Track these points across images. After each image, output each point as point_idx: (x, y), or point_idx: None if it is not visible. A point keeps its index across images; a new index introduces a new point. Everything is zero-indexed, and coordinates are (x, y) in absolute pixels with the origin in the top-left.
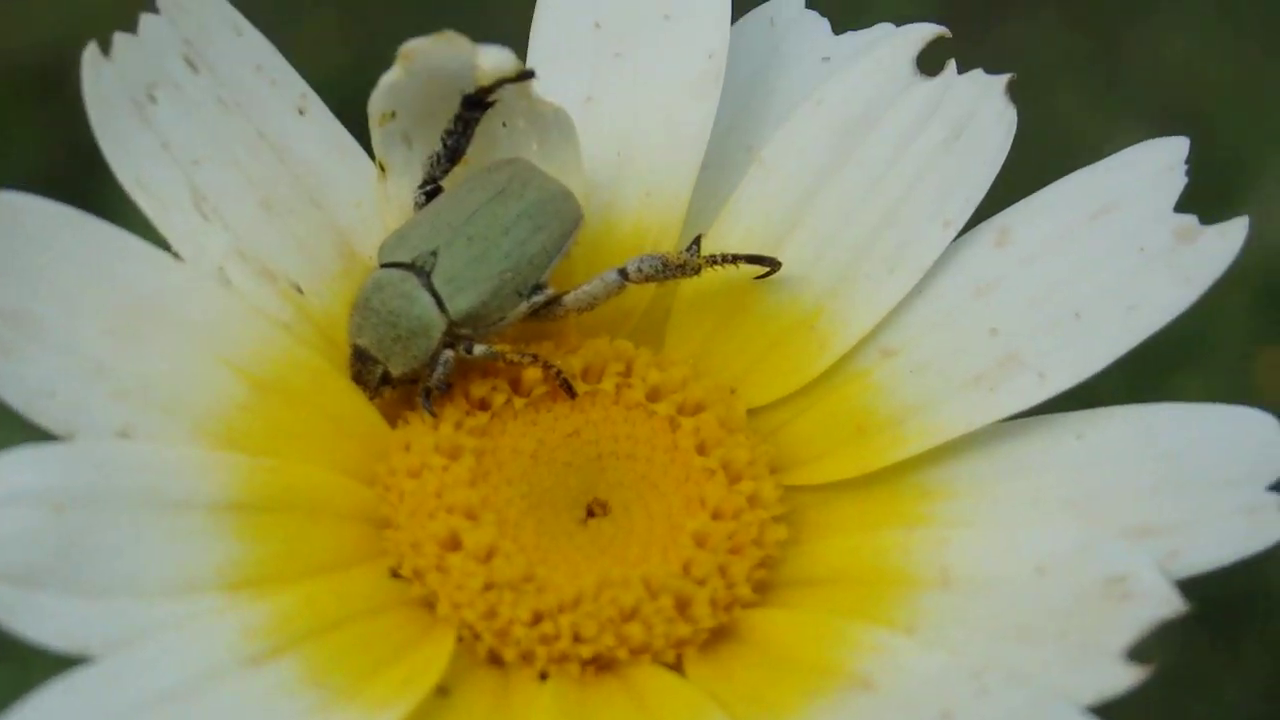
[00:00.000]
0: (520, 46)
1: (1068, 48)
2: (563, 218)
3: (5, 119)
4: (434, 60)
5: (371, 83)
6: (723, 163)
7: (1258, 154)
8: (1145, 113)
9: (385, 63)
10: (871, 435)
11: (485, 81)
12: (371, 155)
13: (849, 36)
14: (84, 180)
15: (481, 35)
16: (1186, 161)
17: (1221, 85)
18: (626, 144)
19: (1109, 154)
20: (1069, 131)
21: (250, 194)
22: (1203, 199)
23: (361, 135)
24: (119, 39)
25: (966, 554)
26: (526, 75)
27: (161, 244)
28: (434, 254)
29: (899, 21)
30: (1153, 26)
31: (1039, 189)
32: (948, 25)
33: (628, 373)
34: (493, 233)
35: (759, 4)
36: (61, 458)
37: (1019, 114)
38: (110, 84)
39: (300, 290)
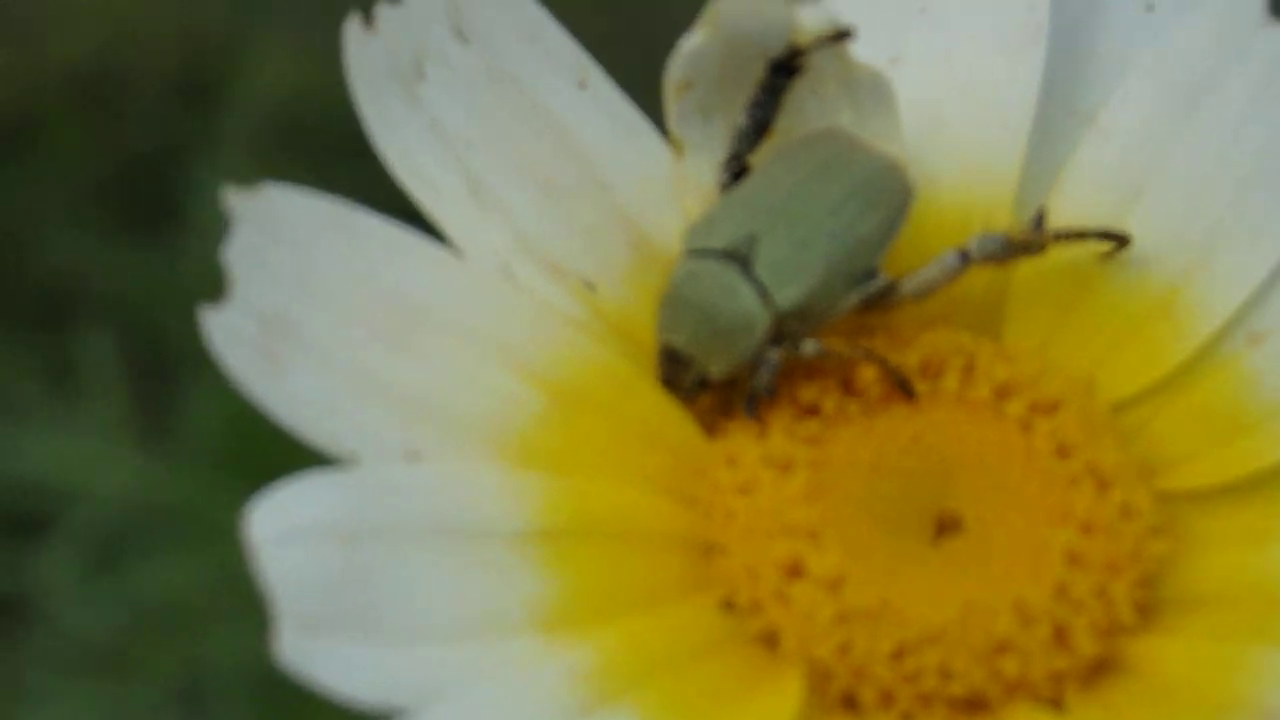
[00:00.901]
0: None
1: None
2: (895, 194)
3: (56, 129)
4: (740, 21)
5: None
6: (1043, 125)
7: None
8: None
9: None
10: (1248, 431)
11: (803, 40)
12: (662, 133)
13: None
14: (141, 187)
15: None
16: None
17: None
18: (941, 110)
19: None
20: None
21: (530, 179)
22: None
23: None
24: (382, 9)
25: None
26: (844, 35)
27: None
28: (752, 240)
29: None
30: None
31: None
32: None
33: (970, 368)
34: (818, 213)
35: None
36: (349, 485)
37: None
38: (376, 60)
39: (593, 286)
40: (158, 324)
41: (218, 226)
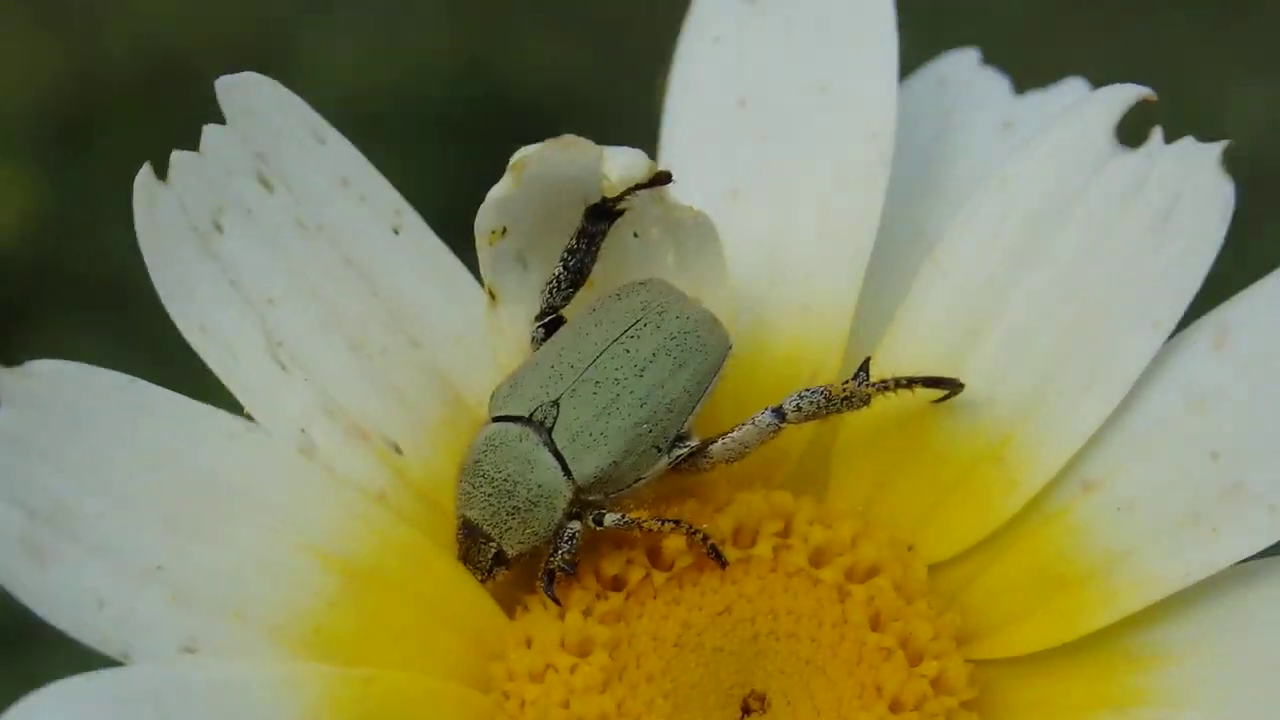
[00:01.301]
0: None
1: None
2: (708, 350)
3: (119, 122)
4: (550, 168)
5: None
6: (890, 253)
7: None
8: None
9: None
10: (1072, 590)
11: (613, 191)
12: (478, 277)
13: (1034, 97)
14: None
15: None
16: None
17: None
18: (778, 247)
19: None
20: None
21: (336, 335)
22: None
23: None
24: (178, 159)
25: None
26: (662, 179)
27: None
28: (555, 404)
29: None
30: None
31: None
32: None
33: (786, 532)
34: (625, 375)
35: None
36: (110, 689)
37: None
38: (168, 214)
39: (398, 449)
40: None
41: None
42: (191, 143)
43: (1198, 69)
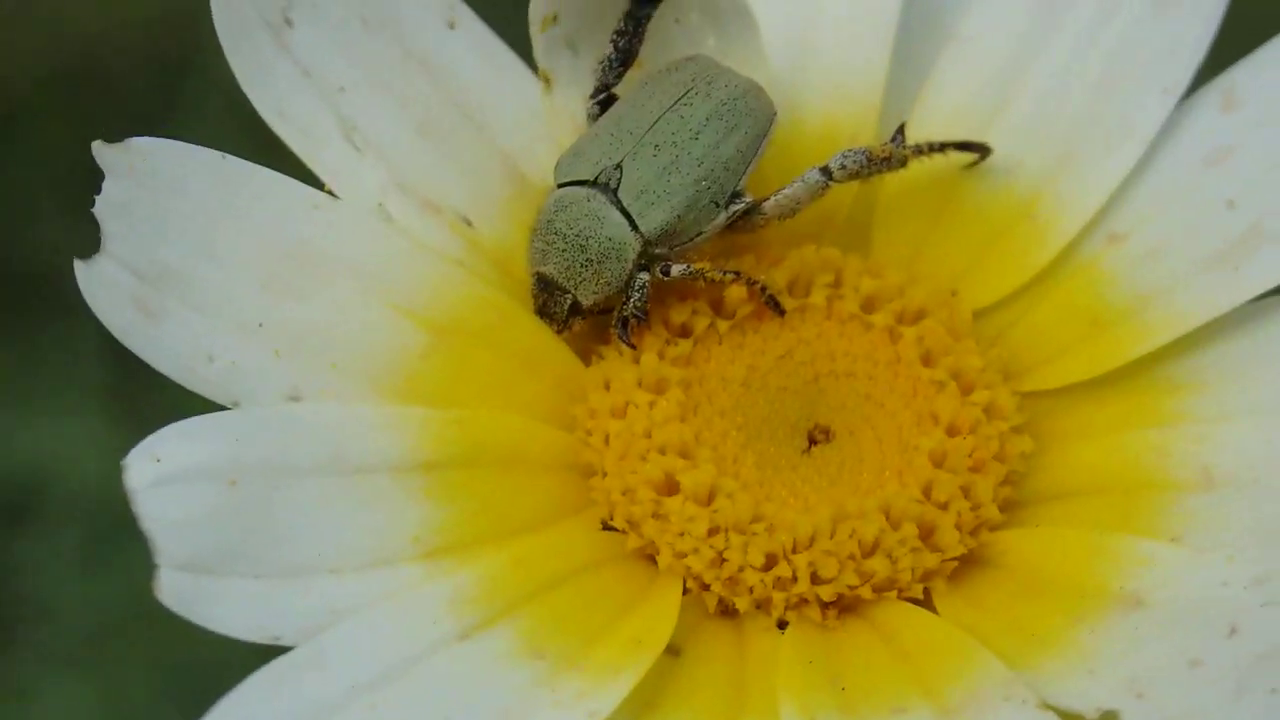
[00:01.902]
0: None
1: None
2: (756, 115)
3: (35, 116)
4: None
5: None
6: (905, 42)
7: None
8: None
9: None
10: (1108, 329)
11: None
12: (532, 68)
13: None
14: None
15: None
16: None
17: None
18: (805, 34)
19: None
20: None
21: (404, 120)
22: None
23: (514, 44)
24: None
25: (1228, 450)
26: None
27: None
28: (618, 167)
29: None
30: None
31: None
32: None
33: (838, 283)
34: (681, 138)
35: None
36: (230, 427)
37: None
38: (243, 9)
39: (469, 222)
40: None
41: None
42: (108, 136)
43: None
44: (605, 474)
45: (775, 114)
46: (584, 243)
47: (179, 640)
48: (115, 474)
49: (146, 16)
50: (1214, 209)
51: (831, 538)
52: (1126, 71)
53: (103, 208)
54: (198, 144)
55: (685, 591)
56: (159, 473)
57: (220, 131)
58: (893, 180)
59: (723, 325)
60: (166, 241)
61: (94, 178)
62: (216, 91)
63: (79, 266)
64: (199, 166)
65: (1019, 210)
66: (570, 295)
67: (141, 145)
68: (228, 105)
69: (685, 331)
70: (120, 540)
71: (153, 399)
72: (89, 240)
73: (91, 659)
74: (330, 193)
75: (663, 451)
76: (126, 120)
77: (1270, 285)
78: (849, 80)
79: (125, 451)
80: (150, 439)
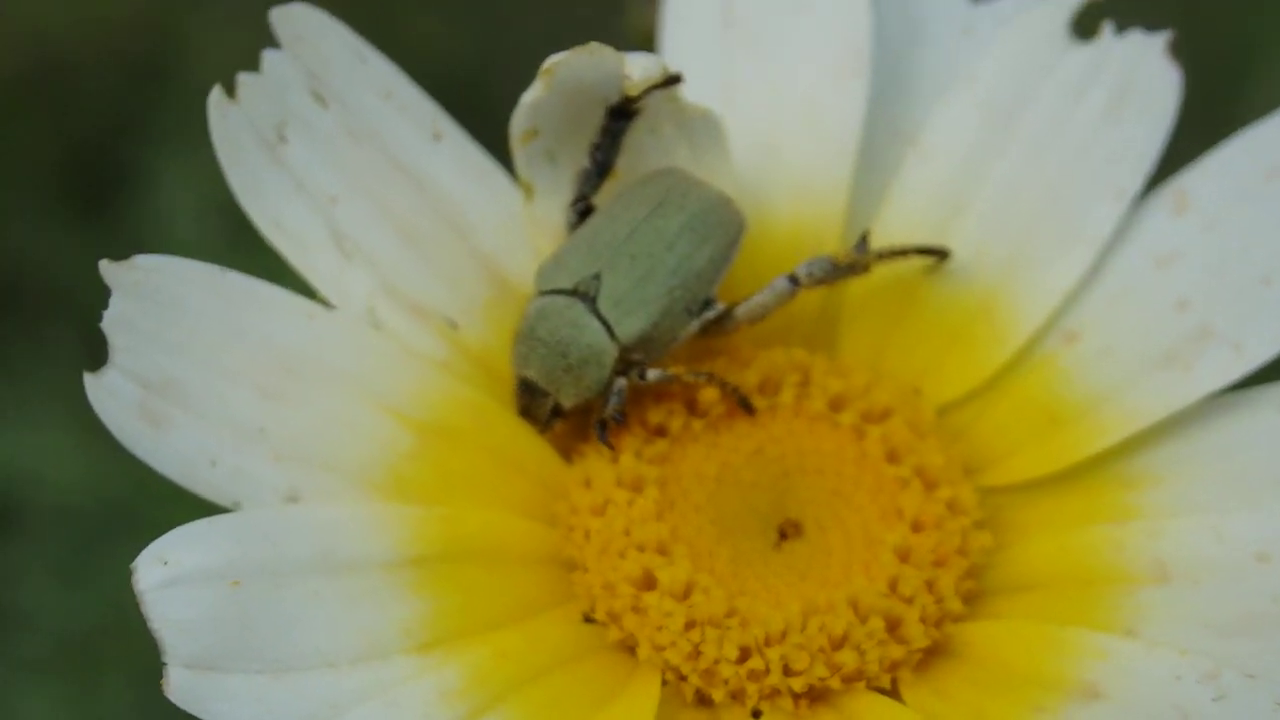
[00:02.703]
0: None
1: None
2: (727, 226)
3: (5, 118)
4: (577, 73)
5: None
6: (869, 148)
7: None
8: None
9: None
10: (1065, 426)
11: (634, 91)
12: (511, 175)
13: (990, 5)
14: (93, 172)
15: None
16: None
17: None
18: (772, 140)
19: None
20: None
21: (391, 228)
22: None
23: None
24: (244, 80)
25: (1182, 544)
26: (674, 80)
27: (302, 287)
28: (596, 277)
29: None
30: None
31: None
32: None
33: (806, 382)
34: (656, 249)
35: None
36: (231, 531)
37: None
38: (239, 127)
39: (454, 324)
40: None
41: (170, 210)
42: (73, 137)
43: None
44: (587, 569)
45: (745, 224)
46: (564, 350)
47: (156, 651)
48: (94, 484)
49: (117, 16)
50: (1165, 310)
51: (802, 631)
52: (1079, 176)
53: (109, 323)
54: (173, 146)
55: (664, 683)
56: (166, 575)
57: (193, 133)
58: (858, 282)
59: (697, 424)
60: (169, 353)
61: (65, 183)
62: (189, 92)
63: (88, 379)
64: (199, 281)
65: (977, 310)
66: (552, 398)
67: (145, 263)
68: (201, 106)
69: (661, 431)
70: (98, 550)
71: None
72: (59, 248)
73: (68, 668)
74: (323, 300)
75: (641, 549)
76: (97, 121)
77: (1220, 385)
78: (814, 181)
79: (104, 460)
80: (158, 542)
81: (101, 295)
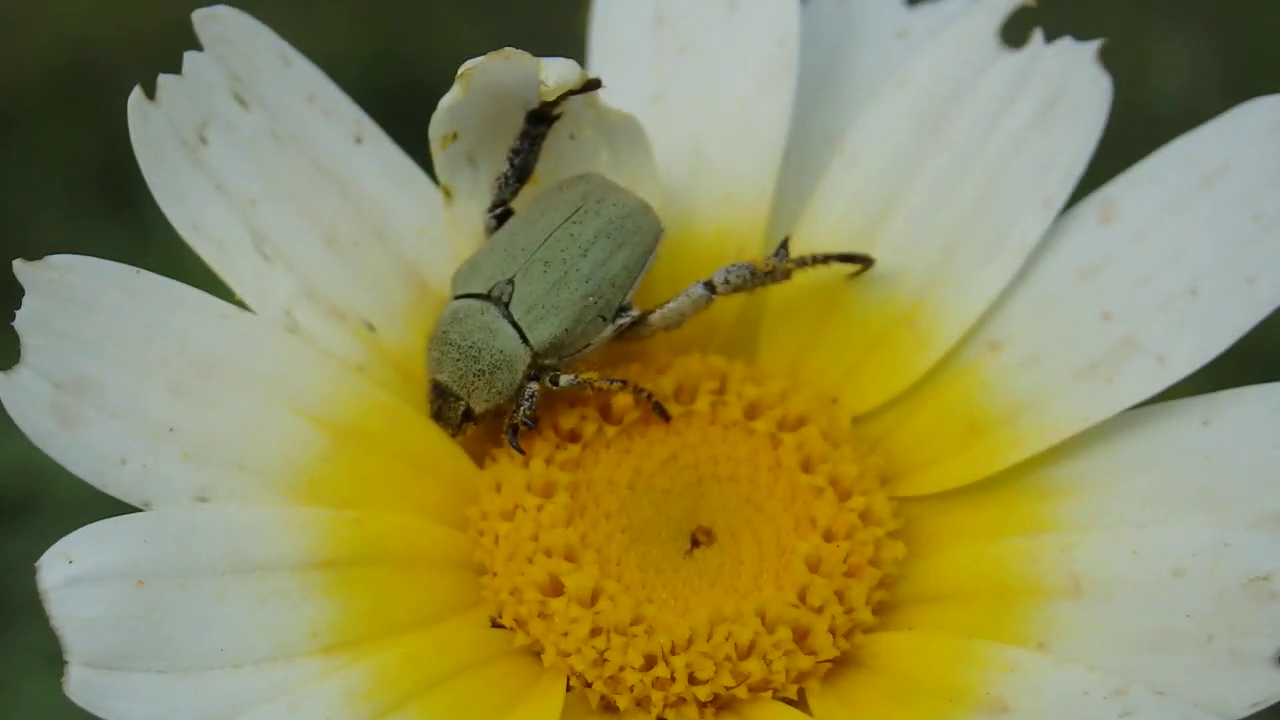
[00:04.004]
0: (563, 41)
1: None
2: (643, 233)
3: (38, 119)
4: (494, 78)
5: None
6: (801, 152)
7: None
8: None
9: (407, 58)
10: (984, 436)
11: (550, 96)
12: (433, 178)
13: (925, 9)
14: (126, 173)
15: (522, 30)
16: None
17: None
18: (700, 145)
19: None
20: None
21: (312, 231)
22: None
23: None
24: (164, 80)
25: (1097, 558)
26: (593, 85)
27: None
28: (510, 282)
29: None
30: None
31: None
32: None
33: (722, 390)
34: (570, 255)
35: None
36: (138, 530)
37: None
38: (159, 128)
39: (372, 328)
40: None
41: None
42: (110, 137)
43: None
44: (495, 574)
45: (662, 231)
46: (476, 354)
47: None
48: None
49: (153, 21)
50: (1089, 320)
51: (708, 640)
52: (1006, 184)
53: (22, 321)
54: None
55: (569, 689)
56: (70, 574)
57: None
58: (780, 288)
59: (610, 430)
60: (83, 352)
61: (100, 180)
62: None
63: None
64: (112, 281)
65: (900, 318)
66: (464, 402)
67: (58, 262)
68: None
69: (574, 436)
70: None
71: None
72: (93, 243)
73: None
74: (241, 303)
75: (548, 554)
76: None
77: (1142, 397)
78: (740, 185)
79: None
80: (64, 541)
81: None
